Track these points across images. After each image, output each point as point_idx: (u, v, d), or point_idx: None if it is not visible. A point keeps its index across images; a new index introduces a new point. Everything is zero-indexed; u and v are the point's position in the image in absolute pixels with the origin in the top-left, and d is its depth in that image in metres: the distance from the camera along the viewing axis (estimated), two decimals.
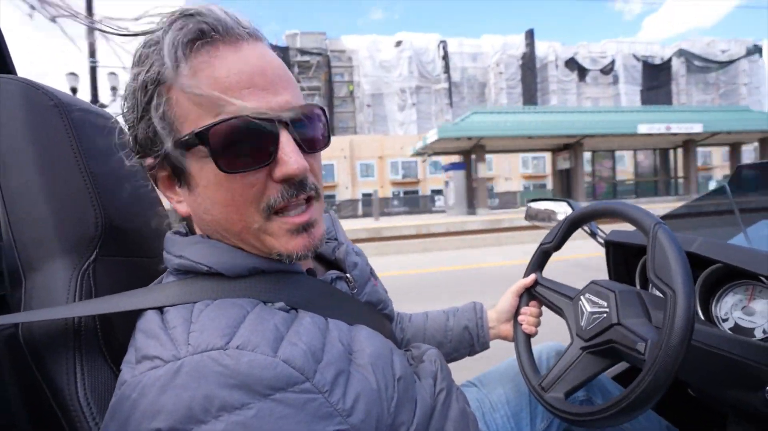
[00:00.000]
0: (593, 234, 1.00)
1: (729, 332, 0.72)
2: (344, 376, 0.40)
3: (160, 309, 0.40)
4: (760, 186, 0.97)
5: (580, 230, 0.83)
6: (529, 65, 31.76)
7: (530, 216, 1.20)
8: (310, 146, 0.43)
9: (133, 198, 0.55)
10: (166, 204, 0.50)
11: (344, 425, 0.37)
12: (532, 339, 0.77)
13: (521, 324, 0.76)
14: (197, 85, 0.38)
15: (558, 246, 0.76)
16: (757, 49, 33.87)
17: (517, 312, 0.78)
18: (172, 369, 0.34)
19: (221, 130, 0.38)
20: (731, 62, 35.00)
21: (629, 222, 0.60)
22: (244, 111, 0.38)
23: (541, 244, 0.78)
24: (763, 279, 0.66)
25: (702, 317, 0.77)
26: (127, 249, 0.52)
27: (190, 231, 0.49)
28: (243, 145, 0.39)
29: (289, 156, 0.40)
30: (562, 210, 1.06)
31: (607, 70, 32.40)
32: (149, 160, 0.43)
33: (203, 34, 0.38)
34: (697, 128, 15.03)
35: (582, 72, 32.19)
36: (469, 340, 0.79)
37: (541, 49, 33.43)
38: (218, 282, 0.42)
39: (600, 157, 18.24)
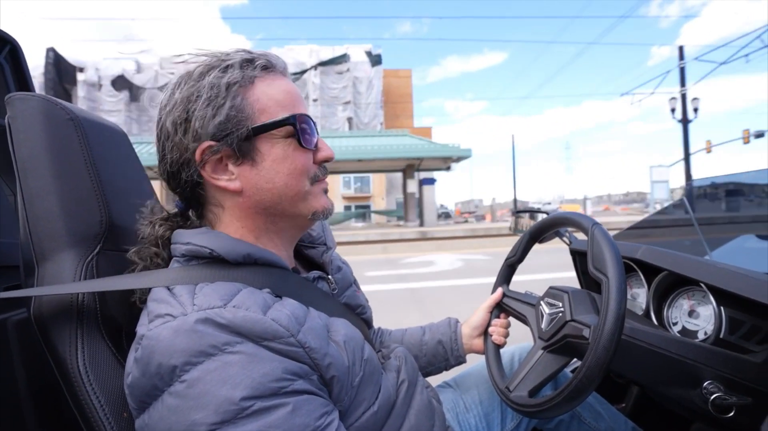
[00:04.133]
0: (567, 242, 1.06)
1: (677, 335, 0.78)
2: (322, 343, 0.48)
3: (167, 287, 0.48)
4: (713, 198, 1.04)
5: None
6: (56, 89, 23.46)
7: (516, 228, 1.26)
8: None
9: (134, 200, 0.63)
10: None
11: (318, 380, 0.46)
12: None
13: (491, 336, 0.81)
14: (278, 92, 0.54)
15: (521, 259, 0.82)
16: (373, 58, 25.62)
17: (488, 325, 0.82)
18: (182, 320, 0.42)
19: (302, 119, 0.54)
20: (302, 73, 26.34)
21: (574, 227, 0.67)
22: (307, 112, 0.56)
23: (506, 259, 0.84)
24: (702, 285, 0.72)
25: (655, 322, 0.83)
26: (127, 245, 0.59)
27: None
28: (310, 132, 0.55)
29: (327, 146, 0.58)
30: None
31: None
32: (204, 145, 0.50)
33: (270, 64, 0.55)
34: None
35: (135, 90, 23.80)
36: (443, 354, 0.83)
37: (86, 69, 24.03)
38: (216, 269, 0.51)
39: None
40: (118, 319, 0.54)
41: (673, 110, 16.91)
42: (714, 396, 0.63)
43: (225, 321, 0.42)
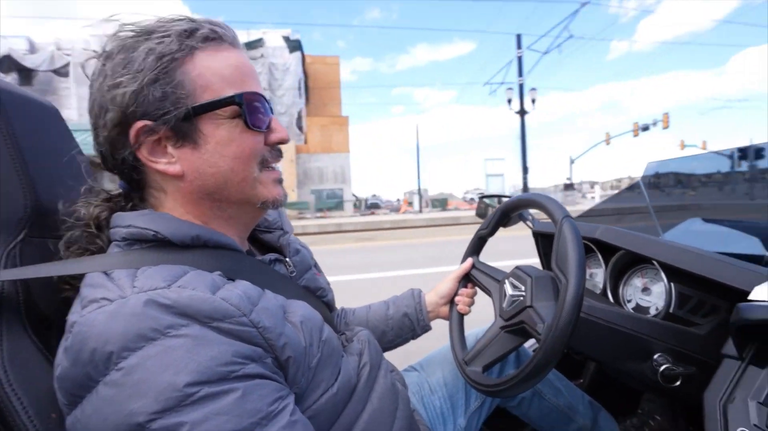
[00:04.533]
0: (530, 225, 1.08)
1: (631, 311, 0.81)
2: (277, 322, 0.45)
3: (104, 273, 0.44)
4: (667, 180, 1.09)
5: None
6: None
7: (480, 213, 1.28)
8: None
9: (66, 182, 0.56)
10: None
11: (272, 362, 0.43)
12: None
13: (457, 305, 0.83)
14: (224, 65, 0.48)
15: (492, 232, 0.83)
16: (291, 44, 23.19)
17: (454, 294, 0.84)
18: (120, 304, 0.38)
19: (251, 97, 0.49)
20: None
21: (545, 213, 0.67)
22: (258, 90, 0.51)
23: (477, 231, 0.85)
24: (655, 263, 0.75)
25: (611, 299, 0.86)
26: (59, 232, 0.53)
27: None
28: (259, 112, 0.50)
29: (281, 126, 0.54)
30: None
31: (64, 71, 20.74)
32: (139, 125, 0.46)
33: (215, 33, 0.49)
34: None
35: (26, 73, 20.62)
36: (410, 325, 0.84)
37: None
38: (162, 253, 0.46)
39: None
40: (46, 312, 0.49)
41: (509, 101, 15.73)
42: (663, 367, 0.66)
43: (169, 302, 0.39)
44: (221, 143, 0.48)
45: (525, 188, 16.67)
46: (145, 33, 0.47)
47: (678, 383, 0.65)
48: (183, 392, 0.36)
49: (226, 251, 0.51)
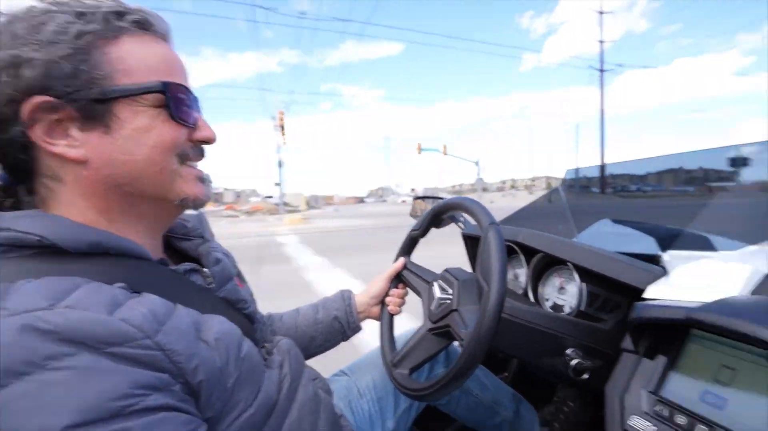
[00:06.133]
0: (462, 226, 1.11)
1: (548, 310, 0.86)
2: (189, 343, 0.40)
3: None
4: (584, 185, 1.19)
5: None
6: None
7: (414, 214, 1.29)
8: None
9: None
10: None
11: (181, 389, 0.38)
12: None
13: (388, 306, 0.83)
14: (151, 54, 0.46)
15: (424, 233, 0.84)
16: None
17: (386, 295, 0.84)
18: None
19: (178, 89, 0.47)
20: None
21: (473, 218, 0.68)
22: (187, 85, 0.49)
23: (410, 231, 0.85)
24: (570, 264, 0.81)
25: (532, 298, 0.91)
26: None
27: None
28: (186, 105, 0.48)
29: (208, 125, 0.52)
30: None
31: None
32: (37, 99, 0.40)
33: (147, 22, 0.47)
34: None
35: None
36: (339, 328, 0.83)
37: None
38: (47, 263, 0.39)
39: None
40: None
41: None
42: (574, 361, 0.70)
43: (51, 327, 0.32)
44: (140, 130, 0.45)
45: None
46: (64, 5, 0.42)
47: (586, 376, 0.70)
48: None
49: (133, 260, 0.45)
